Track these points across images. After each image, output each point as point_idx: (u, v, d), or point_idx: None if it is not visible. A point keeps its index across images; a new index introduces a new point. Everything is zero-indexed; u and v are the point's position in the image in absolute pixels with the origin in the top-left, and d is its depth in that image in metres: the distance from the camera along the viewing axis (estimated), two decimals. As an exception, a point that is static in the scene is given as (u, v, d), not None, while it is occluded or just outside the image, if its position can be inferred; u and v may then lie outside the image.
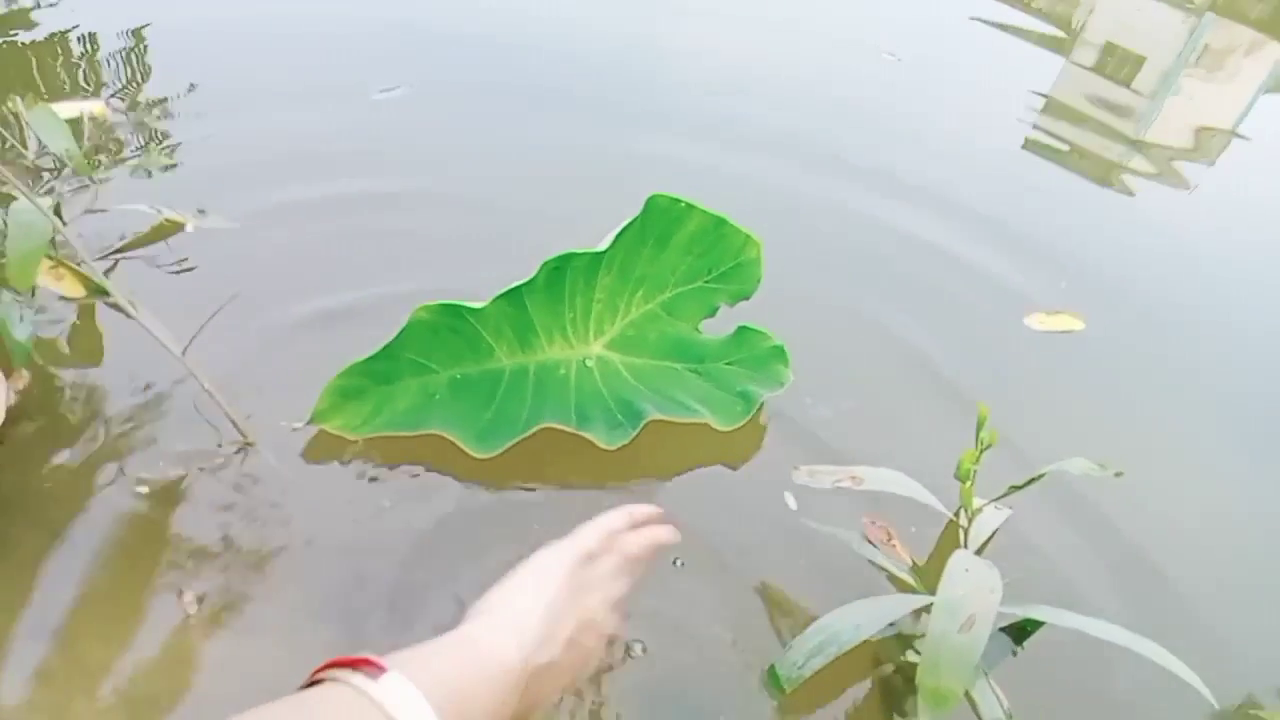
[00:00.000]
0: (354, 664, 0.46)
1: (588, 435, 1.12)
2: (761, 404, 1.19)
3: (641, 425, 1.13)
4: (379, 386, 1.06)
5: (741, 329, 1.17)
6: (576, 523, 0.65)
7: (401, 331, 1.03)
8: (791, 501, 1.09)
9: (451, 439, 1.08)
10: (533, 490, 1.08)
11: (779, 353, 1.18)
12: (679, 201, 1.07)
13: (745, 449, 1.18)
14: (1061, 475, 0.95)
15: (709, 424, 1.16)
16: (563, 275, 1.06)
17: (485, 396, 1.09)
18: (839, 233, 1.68)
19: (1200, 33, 3.72)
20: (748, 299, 1.15)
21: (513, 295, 1.04)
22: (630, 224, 1.06)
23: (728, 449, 1.17)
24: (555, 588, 0.57)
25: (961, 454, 0.92)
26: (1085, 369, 1.48)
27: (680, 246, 1.10)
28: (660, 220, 1.07)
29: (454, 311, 1.03)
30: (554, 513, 1.05)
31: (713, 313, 1.16)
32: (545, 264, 1.03)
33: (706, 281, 1.14)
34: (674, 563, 1.03)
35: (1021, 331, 1.53)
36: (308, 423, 1.06)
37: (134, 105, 1.59)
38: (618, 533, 0.65)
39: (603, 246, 1.06)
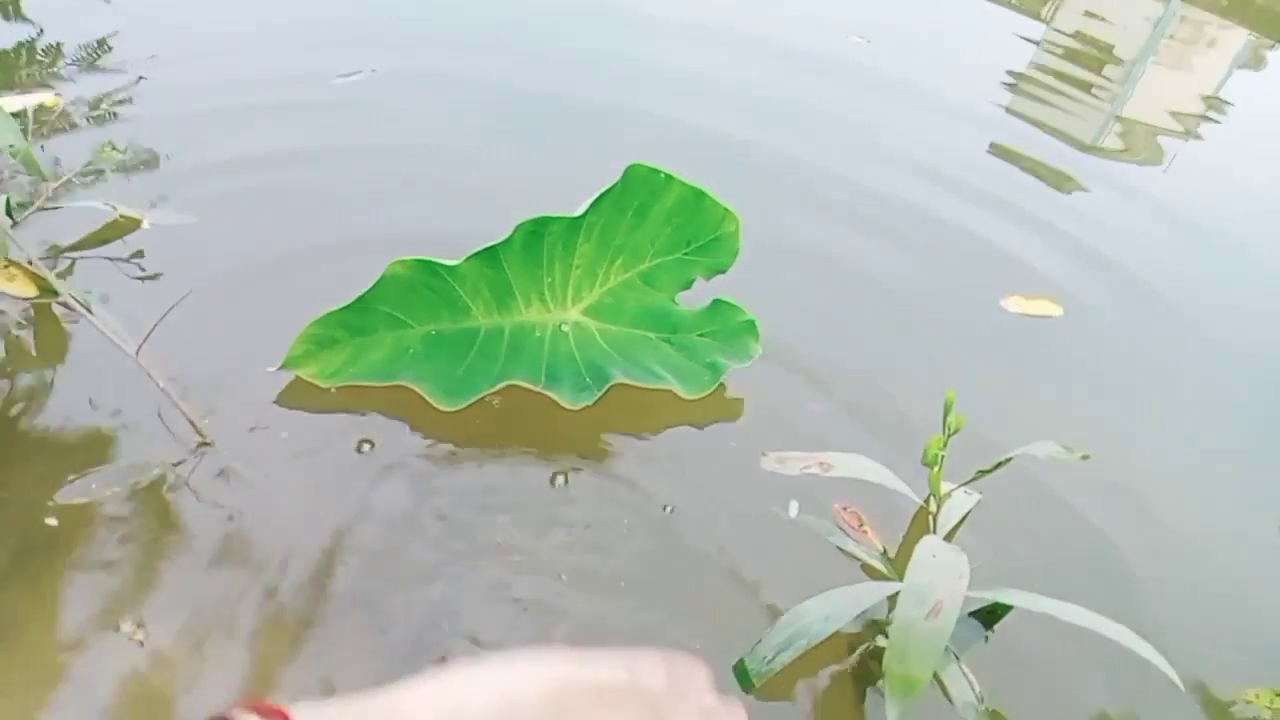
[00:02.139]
0: (262, 711, 0.37)
1: (551, 394, 1.14)
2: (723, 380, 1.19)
3: (606, 388, 1.14)
4: (354, 338, 1.09)
5: (717, 302, 1.18)
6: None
7: (376, 284, 1.05)
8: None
9: (419, 391, 1.10)
10: (501, 461, 1.07)
11: (750, 326, 1.19)
12: (659, 172, 1.07)
13: (721, 431, 1.18)
14: (1035, 459, 0.95)
15: (674, 391, 1.17)
16: (540, 239, 1.07)
17: (459, 354, 1.11)
18: (817, 209, 1.67)
19: (1174, 8, 3.72)
20: (724, 273, 1.16)
21: (489, 256, 1.06)
22: (608, 191, 1.07)
23: (705, 433, 1.17)
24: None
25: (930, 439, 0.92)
26: (1063, 354, 1.47)
27: (660, 217, 1.11)
28: (640, 190, 1.08)
29: (430, 268, 1.05)
30: (525, 493, 1.05)
31: (689, 284, 1.17)
32: (520, 226, 1.05)
33: (685, 253, 1.14)
34: (664, 509, 1.05)
35: (998, 315, 1.52)
36: (280, 367, 1.07)
37: (91, 94, 1.55)
38: (652, 692, 0.43)
39: (578, 212, 1.07)
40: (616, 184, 1.06)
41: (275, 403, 1.08)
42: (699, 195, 1.09)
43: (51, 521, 0.91)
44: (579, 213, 1.06)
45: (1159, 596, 1.08)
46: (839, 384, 1.27)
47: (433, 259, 1.04)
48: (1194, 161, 2.42)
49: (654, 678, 0.43)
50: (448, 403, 1.10)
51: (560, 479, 1.07)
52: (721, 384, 1.20)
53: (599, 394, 1.14)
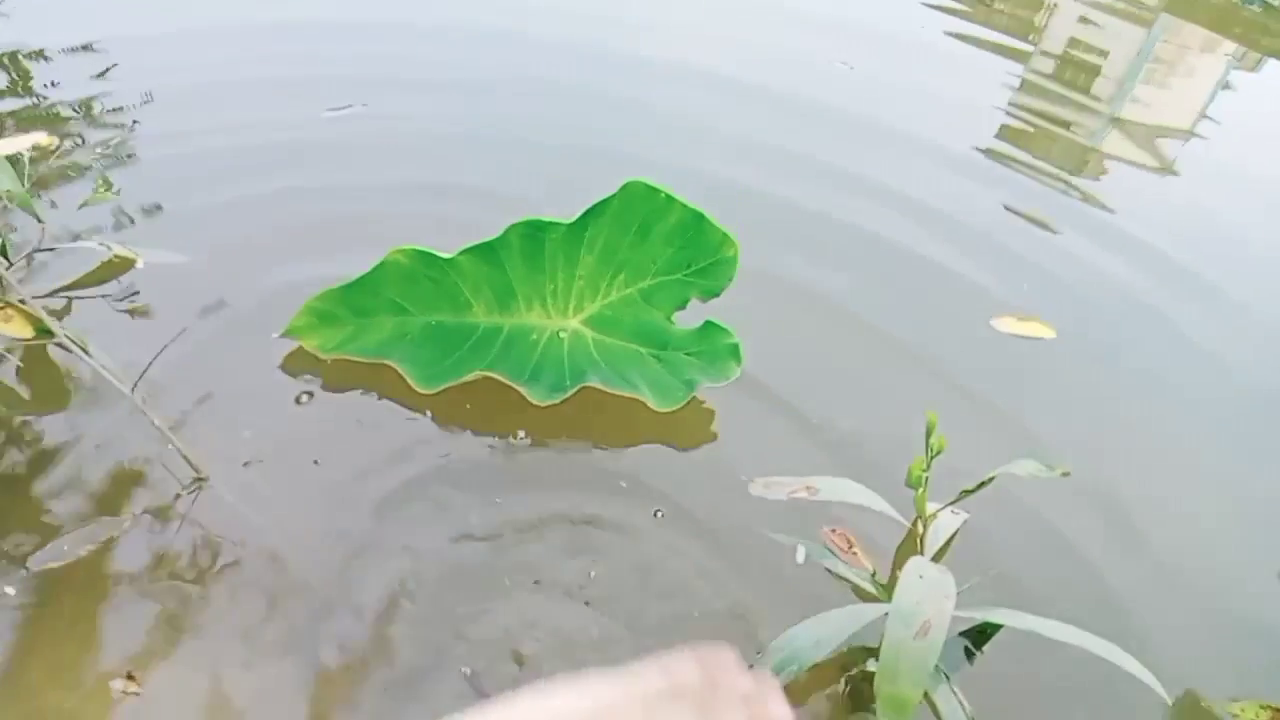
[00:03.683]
0: None
1: (522, 389, 1.18)
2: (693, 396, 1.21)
3: (576, 389, 1.18)
4: (357, 318, 1.17)
5: (708, 324, 1.20)
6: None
7: (377, 270, 1.11)
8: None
9: (400, 371, 1.17)
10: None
11: (734, 350, 1.21)
12: (658, 192, 1.10)
13: (712, 454, 1.19)
14: (1025, 480, 0.96)
15: (646, 402, 1.20)
16: (540, 245, 1.11)
17: (454, 345, 1.18)
18: (806, 230, 1.69)
19: (1156, 33, 3.78)
20: (718, 296, 1.19)
21: (487, 254, 1.11)
22: (605, 203, 1.10)
23: (696, 455, 1.18)
24: None
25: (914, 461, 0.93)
26: (1053, 376, 1.48)
27: (662, 237, 1.14)
28: (640, 208, 1.11)
29: (430, 261, 1.11)
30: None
31: (684, 305, 1.20)
32: (513, 227, 1.09)
33: (685, 275, 1.17)
34: (654, 514, 1.08)
35: (988, 334, 1.53)
36: (281, 335, 1.16)
37: (85, 132, 1.57)
38: (692, 690, 0.43)
39: (572, 220, 1.11)
40: (613, 198, 1.09)
41: (269, 436, 1.09)
42: (699, 218, 1.12)
43: (9, 590, 0.89)
44: (573, 220, 1.10)
45: (1147, 614, 1.08)
46: (830, 408, 1.28)
47: (431, 250, 1.09)
48: (1181, 185, 2.44)
49: (690, 675, 0.43)
50: (426, 386, 1.16)
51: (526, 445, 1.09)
52: (712, 410, 1.22)
53: (568, 394, 1.18)
